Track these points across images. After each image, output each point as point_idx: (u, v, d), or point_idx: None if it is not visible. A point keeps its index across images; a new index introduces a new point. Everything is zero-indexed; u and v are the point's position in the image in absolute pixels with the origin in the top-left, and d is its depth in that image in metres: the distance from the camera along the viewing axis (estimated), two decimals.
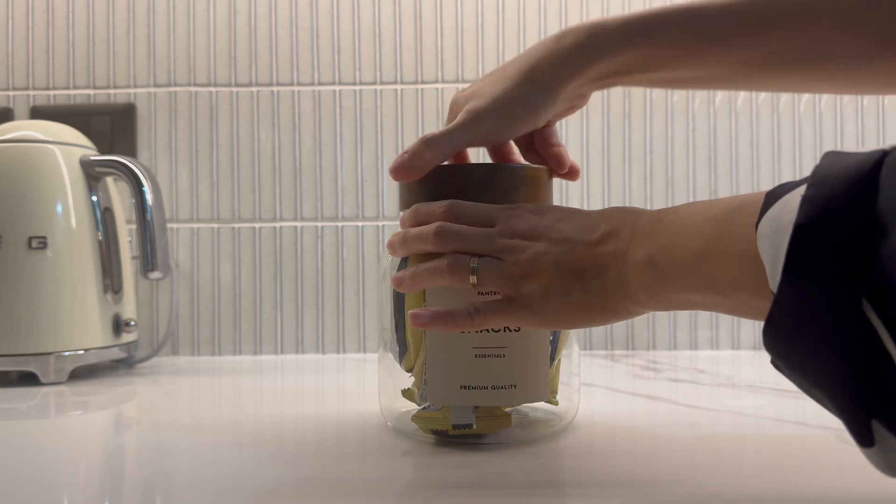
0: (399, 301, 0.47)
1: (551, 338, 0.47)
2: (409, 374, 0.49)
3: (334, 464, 0.44)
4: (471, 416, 0.45)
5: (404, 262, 0.47)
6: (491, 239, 0.42)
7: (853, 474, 0.40)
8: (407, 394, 0.49)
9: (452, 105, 0.52)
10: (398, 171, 0.46)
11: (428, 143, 0.46)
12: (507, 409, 0.48)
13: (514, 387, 0.44)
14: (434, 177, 0.47)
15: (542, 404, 0.49)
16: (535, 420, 0.50)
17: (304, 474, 0.42)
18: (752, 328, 0.89)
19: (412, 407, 0.50)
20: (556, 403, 0.48)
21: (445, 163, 0.48)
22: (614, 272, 0.39)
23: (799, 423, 0.52)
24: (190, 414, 0.60)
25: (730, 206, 0.34)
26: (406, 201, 0.49)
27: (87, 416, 0.58)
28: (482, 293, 0.43)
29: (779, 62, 0.47)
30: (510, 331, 0.44)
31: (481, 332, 0.44)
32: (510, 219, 0.43)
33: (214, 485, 0.39)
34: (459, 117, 0.48)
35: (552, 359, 0.47)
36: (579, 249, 0.40)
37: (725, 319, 0.89)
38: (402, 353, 0.48)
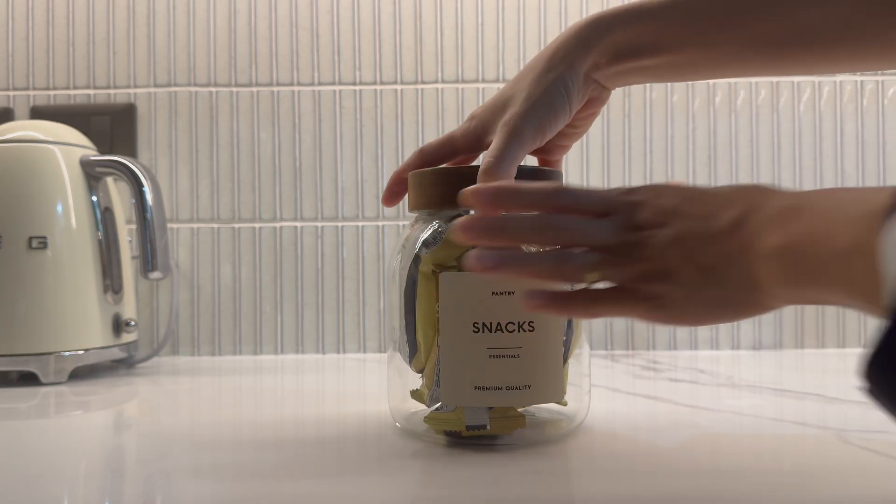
0: (409, 301, 0.47)
1: (564, 337, 0.47)
2: (420, 374, 0.48)
3: (338, 464, 0.44)
4: (485, 416, 0.45)
5: (415, 263, 0.46)
6: (608, 231, 0.38)
7: (852, 474, 0.40)
8: (416, 395, 0.49)
9: (473, 117, 0.50)
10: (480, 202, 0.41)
11: (487, 173, 0.43)
12: (520, 410, 0.47)
13: (528, 387, 0.44)
14: (448, 178, 0.47)
15: (552, 405, 0.49)
16: (544, 421, 0.50)
17: (306, 475, 0.42)
18: (752, 328, 0.89)
19: (421, 408, 0.50)
20: (565, 404, 0.48)
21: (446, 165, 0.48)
22: (744, 263, 0.35)
23: (799, 423, 0.52)
24: (190, 414, 0.60)
25: (881, 202, 0.30)
26: (420, 201, 0.48)
27: (88, 416, 0.58)
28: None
29: (794, 39, 0.46)
30: (524, 331, 0.44)
31: (496, 332, 0.44)
32: (630, 207, 0.39)
33: (215, 485, 0.40)
34: (501, 133, 0.45)
35: (564, 359, 0.47)
36: (708, 240, 0.36)
37: None
38: (413, 354, 0.48)
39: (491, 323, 0.44)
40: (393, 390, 0.51)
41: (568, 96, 0.47)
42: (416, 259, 0.46)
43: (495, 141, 0.45)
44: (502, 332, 0.44)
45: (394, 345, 0.50)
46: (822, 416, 0.54)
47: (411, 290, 0.46)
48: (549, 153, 0.53)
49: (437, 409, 0.47)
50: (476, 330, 0.44)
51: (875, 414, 0.54)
